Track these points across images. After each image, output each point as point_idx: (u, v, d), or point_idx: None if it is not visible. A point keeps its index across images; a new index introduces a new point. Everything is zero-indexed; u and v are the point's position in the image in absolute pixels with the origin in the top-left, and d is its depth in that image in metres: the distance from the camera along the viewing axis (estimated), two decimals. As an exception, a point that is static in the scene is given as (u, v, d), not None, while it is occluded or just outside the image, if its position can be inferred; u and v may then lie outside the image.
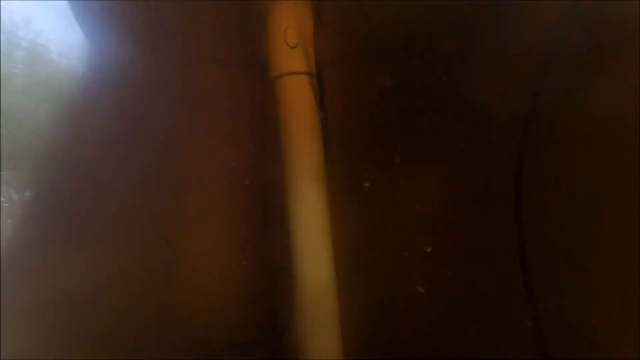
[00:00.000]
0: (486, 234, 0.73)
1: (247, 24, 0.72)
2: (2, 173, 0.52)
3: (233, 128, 0.82)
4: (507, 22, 0.67)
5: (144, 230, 0.70)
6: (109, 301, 0.63)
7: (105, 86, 0.67)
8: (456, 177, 0.76)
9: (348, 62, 0.83)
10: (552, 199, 0.64)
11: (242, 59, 0.80)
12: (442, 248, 0.78)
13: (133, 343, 0.64)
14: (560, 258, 0.64)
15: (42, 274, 0.58)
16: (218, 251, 0.78)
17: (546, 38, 0.62)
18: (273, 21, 0.65)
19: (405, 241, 0.82)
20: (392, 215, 0.83)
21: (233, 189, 0.80)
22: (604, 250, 0.59)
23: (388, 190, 0.83)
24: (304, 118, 0.64)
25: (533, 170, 0.65)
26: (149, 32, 0.71)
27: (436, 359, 0.70)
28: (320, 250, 0.63)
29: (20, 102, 0.64)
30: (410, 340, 0.76)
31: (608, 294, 0.58)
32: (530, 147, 0.64)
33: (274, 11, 0.65)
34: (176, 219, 0.73)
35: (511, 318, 0.68)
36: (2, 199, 0.52)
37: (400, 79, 0.81)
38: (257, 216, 0.81)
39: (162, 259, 0.72)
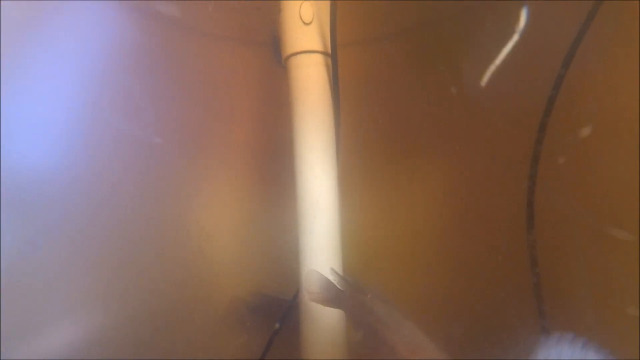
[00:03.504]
0: (498, 233, 0.72)
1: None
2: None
3: (245, 106, 0.80)
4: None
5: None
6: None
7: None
8: (469, 171, 0.75)
9: (364, 43, 0.81)
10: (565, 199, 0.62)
11: (256, 36, 0.78)
12: (452, 244, 0.77)
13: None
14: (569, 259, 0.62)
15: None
16: (225, 229, 0.77)
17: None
18: (288, -5, 0.62)
19: (415, 233, 0.80)
20: (401, 207, 0.82)
21: (243, 166, 0.79)
22: (611, 250, 0.57)
23: (398, 183, 0.82)
24: (316, 99, 0.62)
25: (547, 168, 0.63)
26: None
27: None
28: (328, 236, 0.61)
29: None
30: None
31: (611, 294, 0.57)
32: (546, 141, 0.62)
33: (289, -16, 0.62)
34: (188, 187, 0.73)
35: (519, 317, 0.67)
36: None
37: (415, 63, 0.79)
38: (265, 194, 0.80)
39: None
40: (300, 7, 0.60)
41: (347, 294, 0.51)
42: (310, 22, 0.60)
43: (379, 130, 0.81)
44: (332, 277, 0.53)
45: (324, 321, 0.61)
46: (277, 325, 0.66)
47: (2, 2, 0.50)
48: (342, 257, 0.63)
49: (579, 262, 0.61)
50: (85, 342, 0.58)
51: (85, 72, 0.61)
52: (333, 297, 0.52)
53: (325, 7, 0.61)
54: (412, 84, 0.79)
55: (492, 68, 0.64)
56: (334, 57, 0.59)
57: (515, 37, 0.64)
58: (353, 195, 0.71)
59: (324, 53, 0.62)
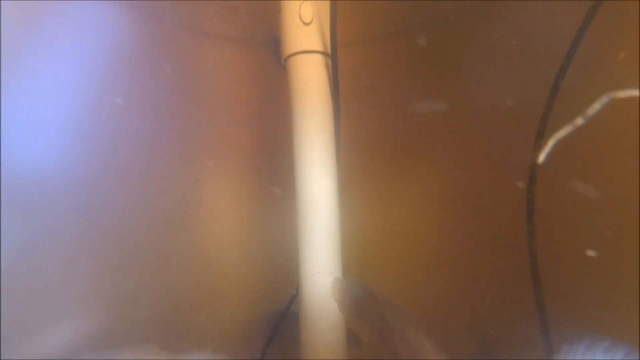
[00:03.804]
0: (497, 233, 0.72)
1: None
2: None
3: (245, 106, 0.80)
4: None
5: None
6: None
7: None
8: (467, 171, 0.75)
9: (364, 43, 0.81)
10: (565, 199, 0.62)
11: (256, 36, 0.78)
12: (452, 244, 0.77)
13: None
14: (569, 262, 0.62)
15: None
16: (225, 229, 0.77)
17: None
18: (287, -5, 0.62)
19: (415, 233, 0.80)
20: (400, 207, 0.82)
21: (243, 166, 0.79)
22: (611, 251, 0.57)
23: (397, 179, 0.82)
24: (316, 99, 0.62)
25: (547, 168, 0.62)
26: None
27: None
28: (328, 237, 0.61)
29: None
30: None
31: (611, 295, 0.57)
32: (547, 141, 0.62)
33: (289, -16, 0.62)
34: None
35: (519, 315, 0.67)
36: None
37: (415, 64, 0.79)
38: (265, 194, 0.80)
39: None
40: (300, 7, 0.60)
41: (365, 300, 0.53)
42: (310, 22, 0.60)
43: (378, 131, 0.81)
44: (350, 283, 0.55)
45: (324, 322, 0.61)
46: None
47: (2, 2, 0.50)
48: (342, 257, 0.62)
49: (579, 260, 0.61)
50: (85, 342, 0.58)
51: (85, 72, 0.61)
52: (360, 305, 0.53)
53: (325, 7, 0.61)
54: (412, 84, 0.79)
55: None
56: (334, 57, 0.59)
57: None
58: (353, 195, 0.71)
59: (324, 53, 0.61)
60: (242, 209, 0.80)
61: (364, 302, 0.54)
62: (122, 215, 0.65)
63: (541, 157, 0.44)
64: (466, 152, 0.75)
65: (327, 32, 0.60)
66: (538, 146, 0.60)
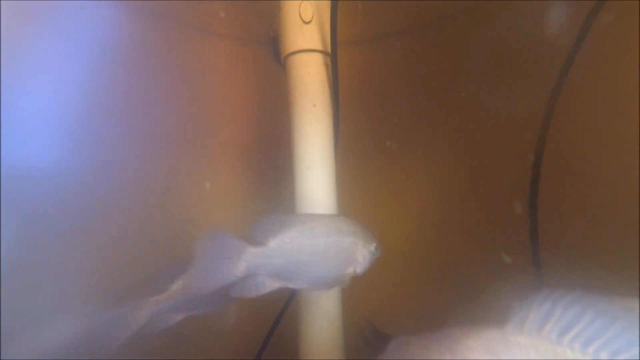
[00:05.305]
0: (497, 231, 0.72)
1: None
2: None
3: (244, 105, 0.80)
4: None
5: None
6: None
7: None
8: (466, 171, 0.75)
9: (363, 43, 0.81)
10: (567, 190, 0.62)
11: (256, 35, 0.77)
12: (453, 240, 0.77)
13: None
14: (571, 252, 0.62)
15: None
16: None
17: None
18: (287, -6, 0.62)
19: (413, 231, 0.81)
20: (399, 204, 0.82)
21: (242, 165, 0.79)
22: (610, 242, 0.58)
23: (396, 177, 0.82)
24: (315, 98, 0.62)
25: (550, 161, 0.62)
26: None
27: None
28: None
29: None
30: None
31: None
32: (549, 139, 0.62)
33: (288, -17, 0.61)
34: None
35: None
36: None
37: (414, 62, 0.79)
38: (264, 193, 0.80)
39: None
40: (299, 6, 0.60)
41: None
42: (310, 21, 0.60)
43: (377, 129, 0.81)
44: None
45: (322, 321, 0.61)
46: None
47: (2, 2, 0.50)
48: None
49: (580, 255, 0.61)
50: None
51: (85, 72, 0.61)
52: None
53: (325, 6, 0.61)
54: (412, 83, 0.79)
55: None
56: (333, 57, 0.59)
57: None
58: (352, 194, 0.71)
59: (323, 52, 0.62)
60: (241, 208, 0.80)
61: None
62: (122, 214, 0.65)
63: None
64: (466, 152, 0.75)
65: (326, 31, 0.60)
66: (540, 150, 0.60)
